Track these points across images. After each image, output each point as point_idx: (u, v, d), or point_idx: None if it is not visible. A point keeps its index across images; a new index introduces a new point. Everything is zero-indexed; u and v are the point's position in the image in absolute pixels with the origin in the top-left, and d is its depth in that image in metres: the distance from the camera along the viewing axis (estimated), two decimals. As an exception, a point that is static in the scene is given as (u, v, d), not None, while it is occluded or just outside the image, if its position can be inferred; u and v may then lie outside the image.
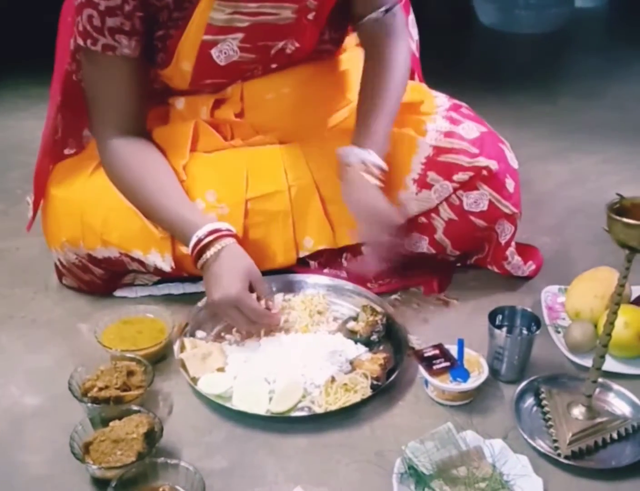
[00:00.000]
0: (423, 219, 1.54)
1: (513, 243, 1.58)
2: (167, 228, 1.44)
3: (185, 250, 1.44)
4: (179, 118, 1.59)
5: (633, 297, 1.46)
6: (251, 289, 1.35)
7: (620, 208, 1.07)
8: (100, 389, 1.22)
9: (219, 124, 1.58)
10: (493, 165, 1.49)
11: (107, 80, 1.42)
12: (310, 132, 1.59)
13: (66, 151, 1.57)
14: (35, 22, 3.45)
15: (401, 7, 1.64)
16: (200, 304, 1.47)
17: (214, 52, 1.45)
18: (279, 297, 1.49)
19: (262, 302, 1.38)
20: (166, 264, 1.46)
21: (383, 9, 1.50)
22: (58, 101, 1.50)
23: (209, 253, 1.35)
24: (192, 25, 1.41)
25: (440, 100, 1.60)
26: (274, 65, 1.53)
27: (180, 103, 1.58)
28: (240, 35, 1.44)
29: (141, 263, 1.49)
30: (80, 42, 1.38)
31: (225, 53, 1.46)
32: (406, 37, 1.57)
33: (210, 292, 1.34)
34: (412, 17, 1.80)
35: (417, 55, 1.78)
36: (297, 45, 1.50)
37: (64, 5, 1.50)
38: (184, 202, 1.43)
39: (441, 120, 1.53)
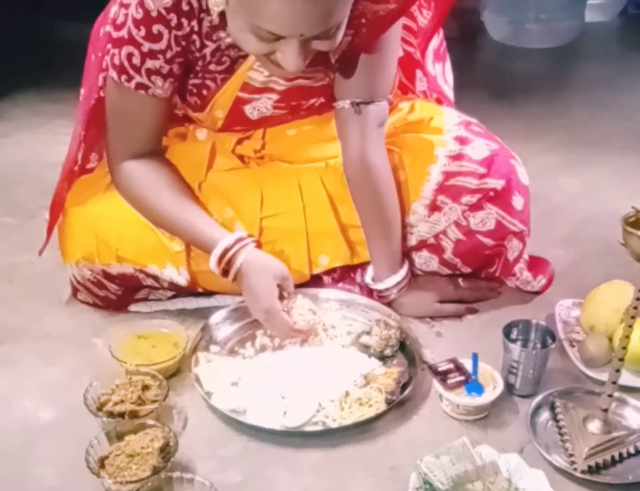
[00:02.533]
0: (432, 240, 1.54)
1: (522, 260, 1.58)
2: (188, 242, 1.46)
3: (198, 266, 1.48)
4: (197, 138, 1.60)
5: (648, 310, 1.45)
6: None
7: (636, 221, 1.07)
8: (116, 403, 1.22)
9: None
10: (500, 185, 1.49)
11: (132, 112, 1.40)
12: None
13: (89, 166, 1.57)
14: (48, 40, 3.49)
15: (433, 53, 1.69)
16: (212, 320, 1.48)
17: (247, 108, 1.47)
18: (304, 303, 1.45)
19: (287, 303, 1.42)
20: (182, 278, 1.47)
21: (348, 101, 1.45)
22: (82, 135, 1.48)
23: (232, 273, 1.39)
24: (231, 82, 1.42)
25: (450, 116, 1.59)
26: (302, 113, 1.55)
27: (202, 134, 1.59)
28: (275, 96, 1.46)
29: (156, 278, 1.49)
30: (114, 75, 1.36)
31: (258, 110, 1.48)
32: (376, 140, 1.49)
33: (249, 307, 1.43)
34: (448, 63, 1.79)
35: (452, 100, 1.79)
36: (326, 100, 1.51)
37: (91, 42, 1.48)
38: (200, 216, 1.44)
39: (451, 142, 1.51)
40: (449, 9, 1.58)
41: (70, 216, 1.51)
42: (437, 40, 1.72)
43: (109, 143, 1.47)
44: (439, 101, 1.72)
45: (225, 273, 1.40)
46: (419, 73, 1.70)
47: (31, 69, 3.05)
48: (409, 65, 1.68)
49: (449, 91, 1.78)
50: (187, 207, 1.45)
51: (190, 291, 1.55)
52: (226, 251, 1.38)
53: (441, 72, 1.76)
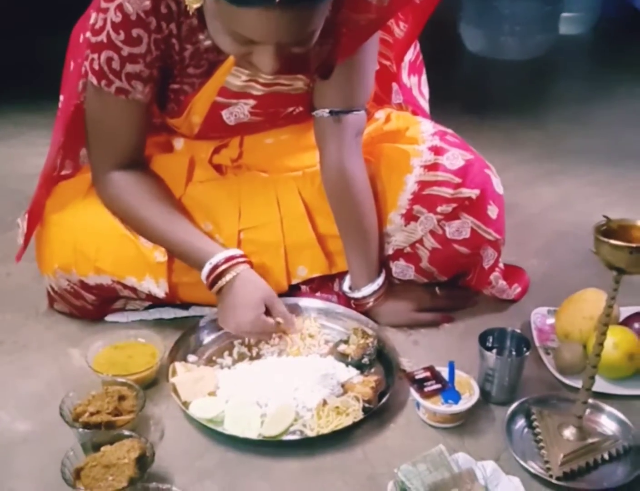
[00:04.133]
0: (408, 249, 1.55)
1: (497, 268, 1.59)
2: (177, 255, 1.46)
3: (179, 277, 1.48)
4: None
5: (622, 318, 1.47)
6: (268, 311, 1.42)
7: (607, 230, 1.08)
8: (92, 414, 1.22)
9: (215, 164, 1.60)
10: (475, 194, 1.50)
11: (113, 119, 1.40)
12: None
13: (64, 172, 1.56)
14: (26, 50, 3.48)
15: (404, 67, 1.70)
16: (189, 329, 1.48)
17: (224, 113, 1.47)
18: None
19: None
20: (160, 290, 1.47)
21: (327, 109, 1.47)
22: (61, 142, 1.48)
23: (220, 283, 1.40)
24: (208, 86, 1.42)
25: (425, 126, 1.60)
26: (280, 122, 1.56)
27: (179, 143, 1.59)
28: (252, 101, 1.46)
29: (133, 289, 1.49)
30: (94, 80, 1.35)
31: (235, 115, 1.48)
32: (353, 149, 1.51)
33: (226, 321, 1.43)
34: (424, 76, 1.81)
35: (428, 112, 1.80)
36: (303, 109, 1.52)
37: (69, 48, 1.48)
38: (192, 230, 1.45)
39: (426, 152, 1.52)
40: (425, 22, 1.59)
41: (49, 226, 1.50)
42: (413, 53, 1.74)
43: (91, 154, 1.47)
44: (414, 113, 1.73)
45: (212, 284, 1.40)
46: (394, 86, 1.71)
47: (9, 79, 3.04)
48: (385, 78, 1.69)
49: (424, 103, 1.79)
50: (178, 221, 1.45)
51: (167, 302, 1.55)
52: (224, 261, 1.40)
53: (417, 84, 1.78)
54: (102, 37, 1.31)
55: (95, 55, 1.33)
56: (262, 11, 1.12)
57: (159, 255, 1.45)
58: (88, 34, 1.34)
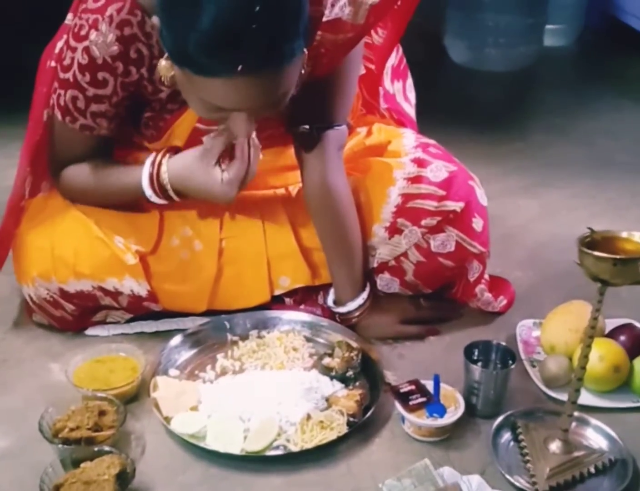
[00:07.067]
0: (393, 263, 1.54)
1: (483, 281, 1.59)
2: (125, 199, 1.46)
3: (159, 284, 1.47)
4: None
5: (607, 330, 1.47)
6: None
7: (591, 242, 1.08)
8: (71, 429, 1.20)
9: None
10: (459, 207, 1.49)
11: (77, 148, 1.42)
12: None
13: (39, 195, 1.56)
14: (8, 62, 3.45)
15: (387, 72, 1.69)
16: (171, 343, 1.46)
17: (205, 139, 1.46)
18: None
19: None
20: (142, 289, 1.47)
21: (308, 126, 1.44)
22: (27, 172, 1.48)
23: (174, 197, 1.38)
24: (188, 114, 1.41)
25: (408, 139, 1.59)
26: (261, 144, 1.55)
27: None
28: None
29: (114, 296, 1.48)
30: (59, 115, 1.36)
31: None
32: (335, 164, 1.48)
33: (214, 199, 1.37)
34: (410, 81, 1.81)
35: (414, 118, 1.80)
36: (284, 129, 1.50)
37: (38, 75, 1.47)
38: (123, 170, 1.44)
39: (409, 165, 1.51)
40: (404, 28, 1.58)
41: (25, 234, 1.49)
42: (396, 58, 1.73)
43: (51, 156, 1.47)
44: (399, 121, 1.72)
45: (169, 199, 1.40)
46: (382, 90, 1.71)
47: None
48: (371, 82, 1.68)
49: (409, 109, 1.79)
50: (112, 169, 1.44)
51: (148, 309, 1.53)
52: (152, 180, 1.37)
53: (401, 90, 1.77)
54: (69, 75, 1.32)
55: (62, 91, 1.34)
56: (227, 80, 1.11)
57: (130, 258, 1.45)
58: (55, 64, 1.35)
